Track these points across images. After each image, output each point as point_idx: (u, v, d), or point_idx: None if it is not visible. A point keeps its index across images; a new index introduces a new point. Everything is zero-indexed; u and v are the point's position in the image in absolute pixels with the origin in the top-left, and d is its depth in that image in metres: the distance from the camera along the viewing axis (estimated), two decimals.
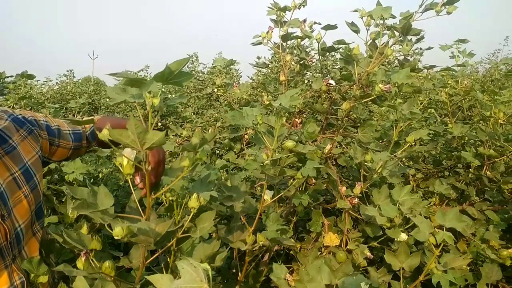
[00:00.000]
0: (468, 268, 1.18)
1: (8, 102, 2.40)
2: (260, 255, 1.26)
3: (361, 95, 1.49)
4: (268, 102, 1.67)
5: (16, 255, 0.99)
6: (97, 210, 0.77)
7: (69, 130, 1.22)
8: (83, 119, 0.83)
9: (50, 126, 1.17)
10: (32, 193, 1.04)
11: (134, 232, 0.77)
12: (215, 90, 2.69)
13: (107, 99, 6.29)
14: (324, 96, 1.92)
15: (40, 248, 1.07)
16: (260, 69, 5.45)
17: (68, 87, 7.23)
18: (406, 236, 1.17)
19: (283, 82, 1.81)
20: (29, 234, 1.04)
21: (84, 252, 0.85)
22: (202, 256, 0.95)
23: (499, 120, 2.02)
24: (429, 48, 2.03)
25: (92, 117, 1.29)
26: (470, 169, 1.80)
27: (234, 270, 1.26)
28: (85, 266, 0.84)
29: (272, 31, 1.68)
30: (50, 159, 1.20)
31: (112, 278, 0.84)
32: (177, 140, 2.84)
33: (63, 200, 1.30)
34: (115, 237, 0.77)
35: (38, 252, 1.06)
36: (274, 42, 1.72)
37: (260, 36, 1.68)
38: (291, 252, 1.33)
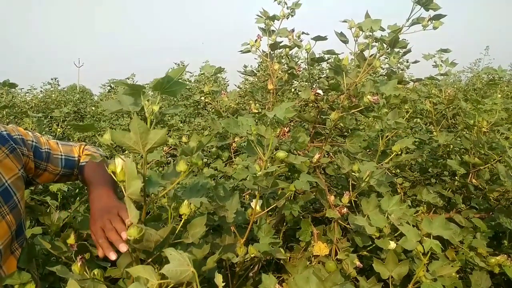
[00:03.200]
0: (458, 276, 1.19)
1: None
2: (250, 267, 1.25)
3: (349, 105, 1.50)
4: (256, 111, 1.67)
5: None
6: None
7: (61, 155, 1.18)
8: (84, 124, 0.82)
9: (39, 148, 1.13)
10: (12, 213, 1.01)
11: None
12: (203, 98, 2.68)
13: (93, 108, 6.21)
14: (312, 105, 1.94)
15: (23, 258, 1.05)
16: (247, 78, 5.47)
17: (53, 95, 7.12)
18: (395, 245, 1.17)
19: (271, 91, 1.81)
20: (7, 253, 1.02)
21: (80, 257, 0.85)
22: (198, 256, 0.94)
23: (483, 129, 2.05)
24: (415, 62, 2.07)
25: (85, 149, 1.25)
26: (456, 177, 1.82)
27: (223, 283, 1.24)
28: (80, 271, 0.84)
29: (261, 40, 1.69)
30: (35, 180, 1.16)
31: (103, 282, 0.83)
32: (164, 148, 2.82)
33: (48, 211, 1.27)
34: (129, 238, 0.77)
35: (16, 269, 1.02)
36: (263, 51, 1.73)
37: (249, 44, 1.69)
38: (281, 261, 1.32)
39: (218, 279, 0.74)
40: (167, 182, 0.90)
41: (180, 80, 0.73)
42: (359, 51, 1.57)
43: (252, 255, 1.00)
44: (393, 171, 2.06)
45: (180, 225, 0.89)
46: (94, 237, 0.90)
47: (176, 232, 0.88)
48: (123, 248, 0.83)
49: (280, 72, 1.79)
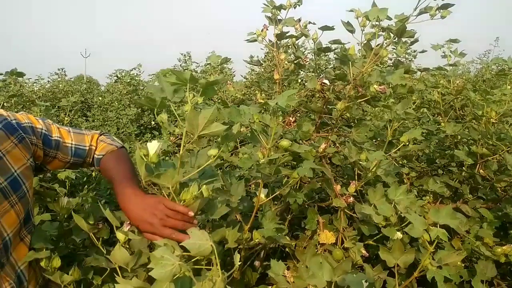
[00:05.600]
0: (463, 265, 1.19)
1: None
2: (256, 253, 1.26)
3: (356, 95, 1.50)
4: (262, 101, 1.67)
5: (5, 262, 0.98)
6: None
7: (71, 144, 1.17)
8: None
9: (49, 136, 1.13)
10: (20, 202, 1.02)
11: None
12: None
13: (100, 98, 6.23)
14: (318, 95, 1.93)
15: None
16: (254, 68, 5.46)
17: (60, 85, 7.15)
18: (401, 235, 1.17)
19: (277, 81, 1.80)
20: (17, 240, 1.03)
21: (127, 222, 0.94)
22: (215, 238, 0.99)
23: (491, 119, 2.03)
24: (423, 51, 2.05)
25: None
26: (463, 168, 1.81)
27: (229, 267, 1.26)
28: (125, 237, 0.91)
29: (267, 29, 1.68)
30: (45, 166, 1.16)
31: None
32: (171, 138, 2.82)
33: (55, 199, 1.28)
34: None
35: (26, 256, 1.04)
36: (269, 40, 1.72)
37: (255, 33, 1.68)
38: (286, 249, 1.33)
39: (236, 258, 0.77)
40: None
41: (215, 88, 0.91)
42: (365, 41, 1.55)
43: (257, 240, 1.00)
44: (400, 162, 2.05)
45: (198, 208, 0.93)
46: (160, 234, 0.91)
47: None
48: (194, 224, 0.90)
49: (286, 62, 1.78)
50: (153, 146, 0.90)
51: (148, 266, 0.80)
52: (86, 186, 1.67)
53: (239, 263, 0.75)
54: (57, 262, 0.97)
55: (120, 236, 0.89)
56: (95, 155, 1.19)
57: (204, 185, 0.89)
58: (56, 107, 4.64)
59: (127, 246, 0.91)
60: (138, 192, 0.99)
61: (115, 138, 1.26)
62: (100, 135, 1.25)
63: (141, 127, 5.65)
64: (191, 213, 0.91)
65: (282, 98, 1.13)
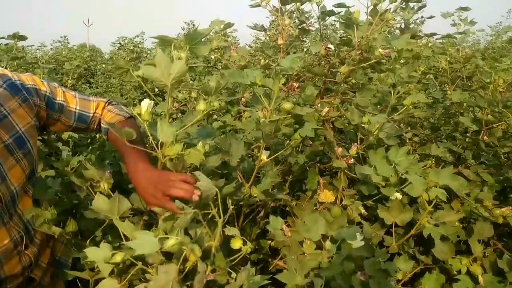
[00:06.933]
0: (461, 225, 1.20)
1: (1, 64, 2.35)
2: (257, 210, 1.28)
3: (360, 58, 1.47)
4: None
5: (13, 213, 1.03)
6: None
7: (75, 109, 1.17)
8: None
9: (53, 99, 1.13)
10: (26, 158, 1.05)
11: None
12: (213, 57, 2.64)
13: (103, 65, 6.20)
14: (324, 62, 1.90)
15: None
16: (258, 37, 5.37)
17: (63, 52, 7.10)
18: (401, 196, 1.18)
19: (281, 46, 1.78)
20: (22, 193, 1.07)
21: (109, 171, 1.00)
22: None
23: (499, 87, 2.01)
24: (431, 17, 1.99)
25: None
26: (468, 134, 1.80)
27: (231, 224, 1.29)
28: (108, 186, 0.97)
29: None
30: (48, 127, 1.18)
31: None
32: (175, 105, 2.82)
33: (58, 158, 1.30)
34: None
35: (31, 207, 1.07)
36: (273, 6, 1.68)
37: None
38: (287, 208, 1.35)
39: (229, 202, 0.82)
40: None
41: (205, 41, 0.85)
42: (372, 6, 1.51)
43: (255, 196, 1.02)
44: (404, 130, 2.04)
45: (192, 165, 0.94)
46: (163, 206, 0.91)
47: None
48: (196, 196, 0.87)
49: (291, 27, 1.75)
50: (145, 104, 0.91)
51: (163, 217, 0.83)
52: (90, 147, 1.69)
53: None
54: (48, 214, 0.98)
55: (102, 186, 0.90)
56: (102, 125, 1.19)
57: (201, 142, 0.90)
58: (60, 73, 4.62)
59: (110, 194, 0.92)
60: (146, 166, 0.98)
61: (123, 107, 1.24)
62: (108, 103, 1.24)
63: (145, 94, 5.63)
64: (192, 180, 0.90)
65: (286, 60, 1.12)
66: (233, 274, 0.76)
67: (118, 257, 0.76)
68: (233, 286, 0.75)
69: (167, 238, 0.69)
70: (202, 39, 0.84)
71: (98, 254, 0.76)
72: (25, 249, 1.06)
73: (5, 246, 0.99)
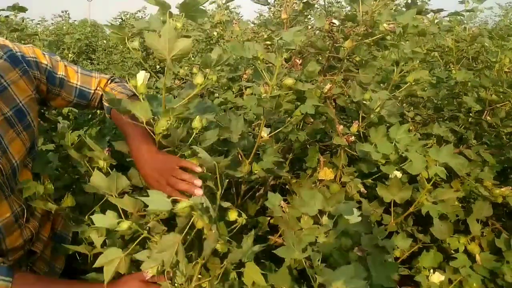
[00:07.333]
0: (460, 205, 1.20)
1: (2, 36, 2.32)
2: (256, 187, 1.28)
3: (365, 33, 1.44)
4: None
5: (14, 186, 1.02)
6: None
7: (76, 85, 1.15)
8: None
9: (53, 73, 1.11)
10: (26, 131, 1.04)
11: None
12: (215, 33, 2.59)
13: (104, 41, 6.13)
14: (327, 36, 1.87)
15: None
16: (262, 13, 5.27)
17: (64, 27, 7.01)
18: (401, 174, 1.18)
19: (284, 21, 1.74)
20: (21, 166, 1.06)
21: (107, 148, 0.98)
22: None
23: (505, 67, 1.97)
24: None
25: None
26: (471, 114, 1.79)
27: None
28: (106, 163, 0.96)
29: None
30: (49, 102, 1.16)
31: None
32: (176, 82, 2.80)
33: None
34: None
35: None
36: None
37: None
38: (287, 187, 1.35)
39: (223, 180, 0.83)
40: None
41: (202, 8, 0.81)
42: None
43: (256, 173, 1.02)
44: (407, 109, 2.02)
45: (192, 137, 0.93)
46: (165, 192, 0.87)
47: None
48: (199, 192, 0.85)
49: (295, 2, 1.72)
50: (141, 77, 0.90)
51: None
52: (90, 122, 1.69)
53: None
54: (41, 188, 0.97)
55: (100, 163, 0.89)
56: (105, 104, 1.17)
57: (198, 117, 0.89)
58: (60, 48, 4.58)
59: (109, 171, 0.91)
60: (150, 147, 0.96)
61: (126, 84, 1.21)
62: (111, 80, 1.21)
63: (146, 71, 5.58)
64: (199, 169, 0.88)
65: (288, 33, 1.09)
66: (233, 243, 0.76)
67: (125, 224, 0.75)
68: (237, 253, 0.75)
69: (178, 201, 0.69)
70: (199, 7, 0.81)
71: (104, 221, 0.75)
72: (26, 223, 1.07)
73: (7, 219, 1.00)
